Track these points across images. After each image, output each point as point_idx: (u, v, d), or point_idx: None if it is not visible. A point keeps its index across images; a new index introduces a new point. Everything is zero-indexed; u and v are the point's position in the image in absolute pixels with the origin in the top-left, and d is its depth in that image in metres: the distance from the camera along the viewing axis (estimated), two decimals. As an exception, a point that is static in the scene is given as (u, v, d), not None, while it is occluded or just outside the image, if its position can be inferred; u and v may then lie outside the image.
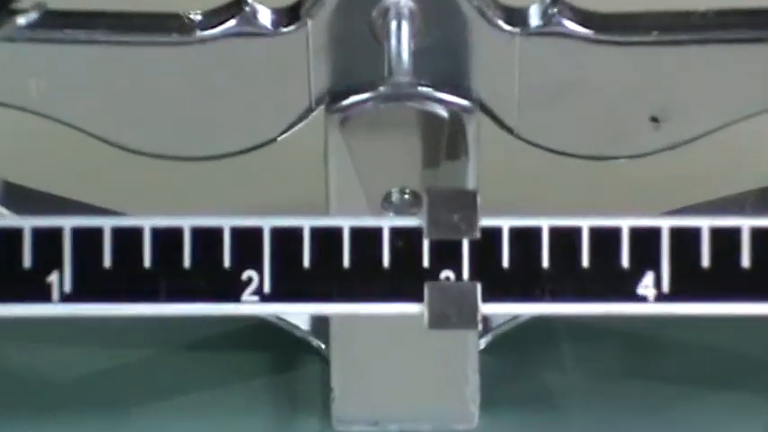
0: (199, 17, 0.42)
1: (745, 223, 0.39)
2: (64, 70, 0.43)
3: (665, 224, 0.39)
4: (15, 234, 0.39)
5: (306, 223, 0.39)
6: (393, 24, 0.41)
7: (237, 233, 0.39)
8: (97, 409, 0.44)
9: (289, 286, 0.40)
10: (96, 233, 0.39)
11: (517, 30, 0.41)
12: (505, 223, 0.39)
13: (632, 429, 0.44)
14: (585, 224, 0.38)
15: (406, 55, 0.40)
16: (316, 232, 0.39)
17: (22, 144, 0.46)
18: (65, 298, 0.40)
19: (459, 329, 0.40)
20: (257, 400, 0.45)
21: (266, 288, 0.39)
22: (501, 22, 0.41)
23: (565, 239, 0.39)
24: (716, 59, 0.42)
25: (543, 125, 0.43)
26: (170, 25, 0.42)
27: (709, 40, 0.42)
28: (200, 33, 0.42)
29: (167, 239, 0.39)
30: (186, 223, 0.38)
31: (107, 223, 0.39)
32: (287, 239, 0.39)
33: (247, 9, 0.42)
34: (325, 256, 0.40)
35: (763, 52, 0.42)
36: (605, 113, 0.43)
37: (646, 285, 0.38)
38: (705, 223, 0.39)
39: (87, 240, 0.39)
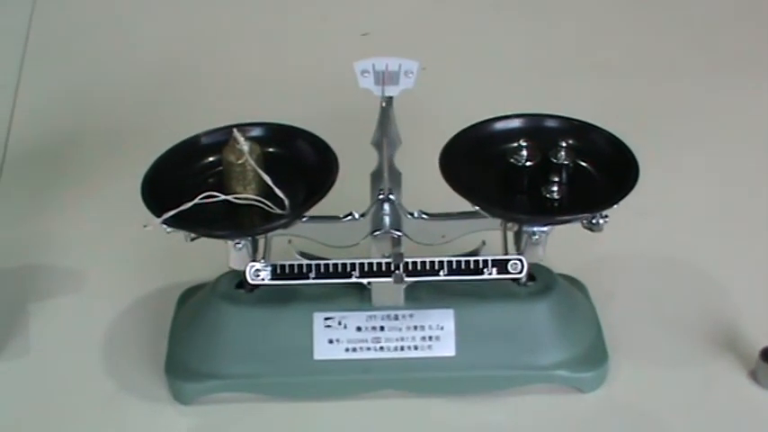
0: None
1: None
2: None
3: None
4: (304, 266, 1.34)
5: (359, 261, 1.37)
6: (387, 220, 1.31)
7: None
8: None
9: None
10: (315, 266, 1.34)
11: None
12: (410, 259, 1.31)
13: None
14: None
15: (387, 221, 1.32)
16: (361, 265, 1.28)
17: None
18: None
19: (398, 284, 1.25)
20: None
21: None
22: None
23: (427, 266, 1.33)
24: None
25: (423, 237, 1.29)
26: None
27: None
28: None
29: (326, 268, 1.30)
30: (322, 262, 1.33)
31: (314, 262, 1.29)
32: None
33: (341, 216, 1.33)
34: (368, 270, 1.32)
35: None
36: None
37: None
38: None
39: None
